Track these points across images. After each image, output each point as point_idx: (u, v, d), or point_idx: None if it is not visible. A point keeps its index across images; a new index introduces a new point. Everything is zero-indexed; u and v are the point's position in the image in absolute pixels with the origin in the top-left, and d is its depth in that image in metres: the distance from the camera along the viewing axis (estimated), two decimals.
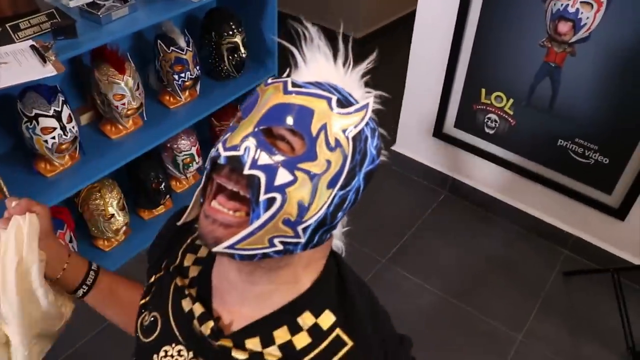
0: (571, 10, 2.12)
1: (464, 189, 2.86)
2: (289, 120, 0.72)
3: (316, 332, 0.81)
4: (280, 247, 0.74)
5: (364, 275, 2.44)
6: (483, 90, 2.50)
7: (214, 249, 0.76)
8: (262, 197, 0.70)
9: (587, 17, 2.10)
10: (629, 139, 2.24)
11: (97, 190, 2.28)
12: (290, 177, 0.70)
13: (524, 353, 2.24)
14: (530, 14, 2.21)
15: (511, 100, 2.45)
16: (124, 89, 2.15)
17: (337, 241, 0.92)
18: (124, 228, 2.41)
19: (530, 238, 2.71)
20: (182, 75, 2.36)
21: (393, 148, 3.01)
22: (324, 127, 0.72)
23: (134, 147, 2.26)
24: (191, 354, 0.86)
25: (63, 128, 1.99)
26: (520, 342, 2.27)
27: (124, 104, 2.18)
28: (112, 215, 2.32)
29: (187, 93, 2.46)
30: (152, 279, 0.97)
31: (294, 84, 0.75)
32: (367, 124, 0.76)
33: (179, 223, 0.88)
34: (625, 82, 2.14)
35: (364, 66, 0.86)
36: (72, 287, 1.00)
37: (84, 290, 1.01)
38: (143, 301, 0.97)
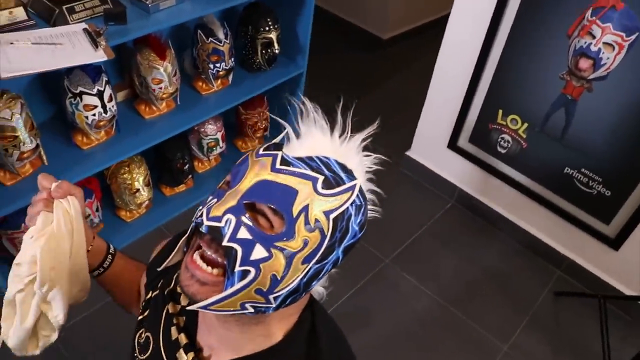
0: (594, 49, 2.22)
1: (470, 200, 2.98)
2: (271, 200, 0.74)
3: None
4: (251, 310, 0.77)
5: (367, 272, 2.61)
6: (500, 111, 2.61)
7: (189, 308, 0.80)
8: (237, 268, 0.73)
9: (608, 58, 2.20)
10: (633, 176, 2.35)
11: (126, 165, 2.41)
12: (265, 254, 0.73)
13: None
14: (555, 46, 2.31)
15: (526, 125, 2.56)
16: (162, 74, 2.27)
17: (319, 287, 0.92)
18: (147, 202, 2.55)
19: (527, 255, 2.84)
20: (218, 65, 2.47)
21: (407, 153, 3.14)
22: (305, 209, 0.73)
23: (166, 129, 2.38)
24: None
25: (104, 106, 2.12)
26: (504, 353, 2.41)
27: (160, 88, 2.30)
28: (138, 190, 2.45)
29: (219, 81, 2.57)
30: (149, 296, 1.03)
31: (284, 161, 0.76)
32: (353, 202, 0.77)
33: (159, 269, 0.93)
34: (636, 124, 2.24)
35: (363, 135, 0.85)
36: (91, 268, 1.01)
37: (99, 272, 1.05)
38: (141, 317, 1.03)
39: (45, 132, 2.13)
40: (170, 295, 0.98)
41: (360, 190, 0.79)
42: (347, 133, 0.83)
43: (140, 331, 1.01)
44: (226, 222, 0.74)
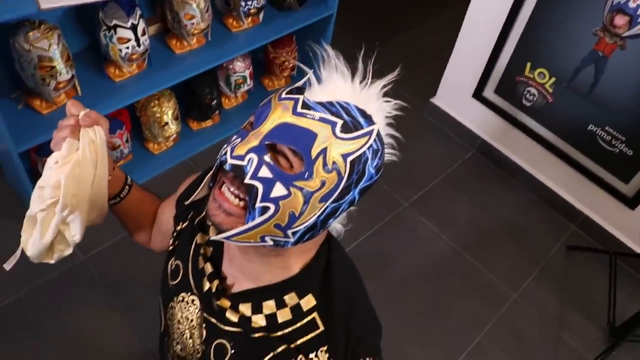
0: (632, 5, 2.19)
1: (491, 151, 3.01)
2: (291, 141, 0.77)
3: (297, 311, 0.91)
4: (270, 243, 0.82)
5: (386, 214, 2.68)
6: (529, 64, 2.60)
7: (212, 238, 0.86)
8: (258, 204, 0.78)
9: None
10: None
11: (156, 98, 2.46)
12: (285, 192, 0.77)
13: (515, 310, 2.46)
14: (591, 1, 2.28)
15: (553, 79, 2.55)
16: (195, 10, 2.28)
17: (337, 225, 0.96)
18: (174, 136, 2.61)
19: (543, 208, 2.88)
20: (249, 3, 2.47)
21: (432, 100, 3.15)
22: (323, 151, 0.77)
23: (196, 64, 2.42)
24: (200, 306, 0.99)
25: (137, 40, 2.15)
26: (513, 300, 2.50)
27: (192, 24, 2.31)
28: (167, 123, 2.51)
29: (250, 19, 2.58)
30: (179, 227, 1.08)
31: (305, 105, 0.79)
32: (370, 146, 0.80)
33: (186, 202, 1.01)
34: None
35: (383, 81, 0.86)
36: (109, 196, 1.04)
37: (116, 201, 1.09)
38: (172, 247, 1.09)
39: (78, 63, 2.16)
40: (200, 226, 1.04)
41: (378, 135, 0.82)
42: (368, 79, 0.85)
43: (171, 260, 1.07)
44: (248, 161, 0.78)
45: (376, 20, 3.85)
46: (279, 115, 0.79)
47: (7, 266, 0.95)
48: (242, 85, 2.76)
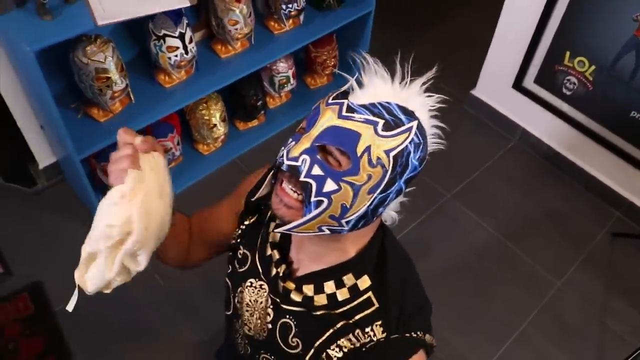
0: None
1: (532, 140, 3.02)
2: (338, 142, 0.86)
3: (354, 291, 1.03)
4: (327, 232, 0.93)
5: (429, 206, 2.74)
6: (568, 53, 2.61)
7: (276, 231, 1.00)
8: (313, 199, 0.88)
9: None
10: None
11: (204, 101, 2.57)
12: (335, 187, 0.87)
13: (559, 298, 2.50)
14: None
15: (593, 67, 2.56)
16: (238, 16, 2.38)
17: (391, 212, 1.04)
18: (222, 137, 2.73)
19: (586, 196, 2.89)
20: (290, 6, 2.55)
21: (472, 92, 3.18)
22: (367, 149, 0.86)
23: (241, 67, 2.52)
24: (267, 289, 1.10)
25: (185, 48, 2.26)
26: (557, 288, 2.53)
27: (236, 29, 2.41)
28: (215, 125, 2.62)
29: (291, 21, 2.66)
30: (248, 222, 1.18)
31: (349, 108, 0.88)
32: (412, 140, 0.88)
33: (252, 199, 1.07)
34: None
35: (423, 79, 0.94)
36: None
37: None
38: (237, 239, 1.19)
39: (130, 72, 2.28)
40: (271, 217, 1.14)
41: (420, 129, 0.90)
42: (407, 79, 0.93)
43: (239, 250, 1.19)
44: (302, 161, 0.88)
45: (413, 13, 3.88)
46: (327, 119, 0.88)
47: (69, 308, 0.95)
48: (285, 85, 2.85)
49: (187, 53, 2.28)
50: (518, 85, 2.90)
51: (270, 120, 2.96)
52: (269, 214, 1.15)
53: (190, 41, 2.28)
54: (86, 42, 2.02)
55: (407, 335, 1.01)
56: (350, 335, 1.02)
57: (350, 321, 1.02)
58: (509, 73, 2.91)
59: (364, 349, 1.01)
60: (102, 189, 2.51)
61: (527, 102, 2.91)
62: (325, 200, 0.88)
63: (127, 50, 2.39)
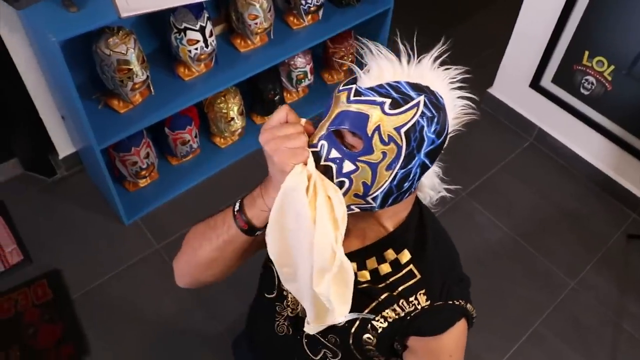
0: None
1: (548, 140, 3.02)
2: (349, 125, 0.90)
3: (395, 264, 1.08)
4: (357, 209, 0.98)
5: (443, 205, 2.72)
6: (586, 53, 2.60)
7: None
8: (335, 180, 0.93)
9: None
10: None
11: (222, 95, 2.59)
12: (353, 167, 0.91)
13: (573, 298, 2.49)
14: None
15: (612, 67, 2.55)
16: (258, 10, 2.40)
17: (430, 192, 1.11)
18: (240, 130, 2.75)
19: (602, 196, 2.88)
20: (309, 1, 2.57)
21: (489, 91, 3.17)
22: (377, 128, 0.89)
23: (260, 62, 2.53)
24: None
25: (205, 41, 2.28)
26: (571, 288, 2.52)
27: (256, 23, 2.43)
28: (232, 118, 2.64)
29: (310, 17, 2.67)
30: None
31: (357, 92, 0.91)
32: (422, 114, 0.90)
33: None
34: None
35: (434, 53, 0.96)
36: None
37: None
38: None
39: (150, 64, 2.31)
40: None
41: (432, 103, 0.91)
42: (414, 57, 0.95)
43: None
44: (321, 147, 0.93)
45: (432, 12, 3.88)
46: (339, 105, 0.92)
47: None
48: (303, 80, 2.87)
49: (207, 46, 2.30)
50: (535, 84, 2.89)
51: None
52: None
53: (211, 35, 2.30)
54: (109, 33, 2.04)
55: (450, 302, 1.07)
56: (395, 306, 1.07)
57: (394, 293, 1.07)
58: (526, 72, 2.91)
59: (408, 318, 1.06)
60: (119, 179, 2.54)
61: (544, 102, 2.91)
62: (347, 181, 0.92)
63: (148, 43, 2.41)
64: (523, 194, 2.88)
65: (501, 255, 2.62)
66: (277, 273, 1.23)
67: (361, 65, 0.96)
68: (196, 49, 2.28)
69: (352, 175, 0.92)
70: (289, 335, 1.25)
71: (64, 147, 2.63)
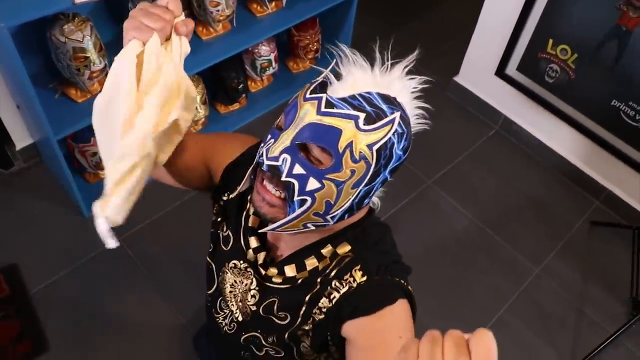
0: None
1: (514, 128, 3.03)
2: (319, 139, 0.84)
3: (334, 257, 1.00)
4: (312, 227, 0.92)
5: (409, 192, 2.75)
6: (550, 41, 2.61)
7: (260, 231, 0.99)
8: (296, 198, 0.86)
9: None
10: None
11: None
12: (318, 185, 0.85)
13: (537, 284, 2.51)
14: None
15: (575, 55, 2.56)
16: None
17: (374, 198, 1.03)
18: (203, 119, 2.70)
19: (566, 184, 2.91)
20: None
21: (455, 79, 3.17)
22: (349, 145, 0.83)
23: (222, 50, 2.48)
24: (252, 272, 1.08)
25: None
26: (536, 275, 2.55)
27: (218, 10, 2.38)
28: (195, 108, 2.59)
29: (273, 4, 2.63)
30: (226, 197, 1.12)
31: (328, 103, 0.84)
32: (394, 132, 0.85)
33: (232, 195, 1.06)
34: None
35: (404, 63, 0.91)
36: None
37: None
38: (219, 218, 1.16)
39: (110, 53, 2.25)
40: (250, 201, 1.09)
41: (402, 119, 0.87)
42: (387, 65, 0.90)
43: (223, 227, 1.15)
44: (283, 160, 0.86)
45: (398, 0, 3.87)
46: (306, 114, 0.85)
47: (113, 245, 0.99)
48: (267, 69, 2.83)
49: None
50: (500, 72, 2.90)
51: (252, 103, 2.93)
52: (249, 196, 1.11)
53: None
54: (64, 20, 1.97)
55: (389, 278, 0.97)
56: (329, 289, 0.98)
57: (329, 277, 0.99)
58: (491, 60, 2.91)
59: (343, 301, 0.96)
60: (79, 170, 2.47)
61: (509, 90, 2.92)
62: (309, 199, 0.86)
63: (107, 31, 2.34)
64: (488, 181, 2.89)
65: (466, 243, 2.63)
66: (214, 270, 1.20)
67: (327, 61, 0.91)
68: None
69: (316, 194, 0.86)
70: (231, 333, 1.21)
71: (21, 138, 2.55)
